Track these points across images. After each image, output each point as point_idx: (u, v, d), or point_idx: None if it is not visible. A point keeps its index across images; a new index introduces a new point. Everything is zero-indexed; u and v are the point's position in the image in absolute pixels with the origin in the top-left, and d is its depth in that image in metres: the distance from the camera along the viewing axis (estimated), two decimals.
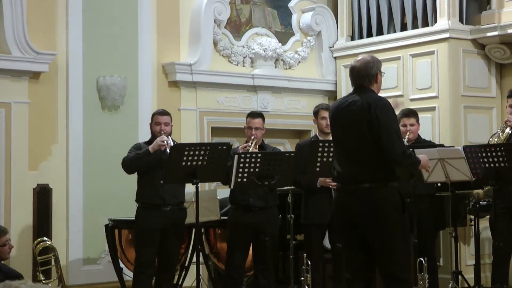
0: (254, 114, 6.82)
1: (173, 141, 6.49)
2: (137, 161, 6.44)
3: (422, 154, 5.11)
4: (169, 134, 6.57)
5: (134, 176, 6.70)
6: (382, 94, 9.10)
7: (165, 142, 6.36)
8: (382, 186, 4.81)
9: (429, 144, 7.19)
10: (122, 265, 7.26)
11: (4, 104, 7.55)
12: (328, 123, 6.76)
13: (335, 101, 5.20)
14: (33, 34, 7.71)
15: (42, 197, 7.65)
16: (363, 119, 4.81)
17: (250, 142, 6.63)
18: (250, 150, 6.44)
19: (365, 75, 4.94)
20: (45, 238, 7.38)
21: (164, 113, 6.66)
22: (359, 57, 5.08)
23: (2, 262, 6.12)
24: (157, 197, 6.47)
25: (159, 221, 6.44)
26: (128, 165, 6.51)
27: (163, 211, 6.47)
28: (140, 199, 6.59)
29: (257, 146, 6.66)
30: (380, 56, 9.20)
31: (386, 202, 4.80)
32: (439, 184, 7.18)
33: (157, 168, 6.41)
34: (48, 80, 7.81)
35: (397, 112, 5.46)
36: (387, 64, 9.19)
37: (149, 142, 6.62)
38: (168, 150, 6.29)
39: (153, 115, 6.71)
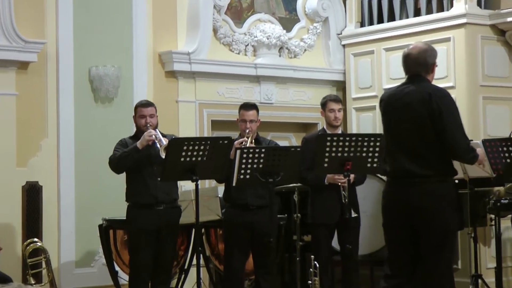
0: (248, 106, 6.79)
1: (162, 134, 6.48)
2: (125, 159, 6.44)
3: (478, 148, 5.16)
4: (155, 126, 6.56)
5: None
6: (394, 84, 9.19)
7: (153, 136, 6.36)
8: (441, 181, 4.88)
9: None
10: (117, 268, 7.27)
11: None
12: (337, 115, 6.85)
13: (386, 91, 5.22)
14: (20, 22, 7.72)
15: (32, 195, 7.68)
16: (424, 111, 4.85)
17: (245, 136, 6.61)
18: (247, 145, 6.44)
19: (423, 63, 5.01)
20: (35, 239, 7.40)
21: (147, 104, 6.64)
22: (413, 45, 5.14)
23: None
24: (149, 196, 6.48)
25: (152, 221, 6.45)
26: (116, 164, 6.50)
27: (156, 211, 6.48)
28: (131, 198, 6.60)
29: (253, 140, 6.65)
30: (391, 44, 9.31)
31: (443, 198, 4.87)
32: (456, 181, 7.20)
33: (147, 165, 6.43)
34: (37, 70, 7.82)
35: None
36: (398, 53, 9.18)
37: (135, 137, 6.61)
38: (157, 145, 6.30)
39: (136, 107, 6.66)
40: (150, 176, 6.46)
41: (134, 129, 7.47)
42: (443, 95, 4.91)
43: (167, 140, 6.26)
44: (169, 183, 6.47)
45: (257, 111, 6.76)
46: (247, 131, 6.61)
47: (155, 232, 6.48)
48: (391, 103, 5.07)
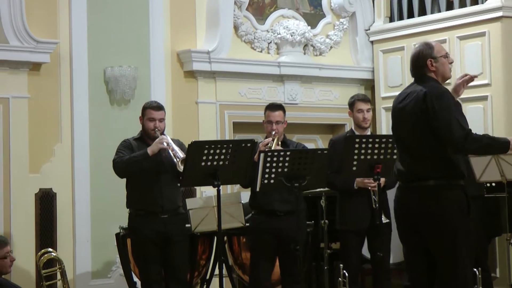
0: (274, 107, 6.79)
1: (173, 140, 6.46)
2: (134, 165, 6.37)
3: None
4: (163, 131, 6.52)
5: None
6: None
7: (164, 143, 6.33)
8: (446, 184, 4.90)
9: None
10: (135, 279, 7.27)
11: (1, 99, 7.62)
12: (365, 116, 6.84)
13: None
14: (32, 21, 7.76)
15: (45, 203, 7.72)
16: (419, 111, 4.90)
17: (271, 138, 6.62)
18: (272, 148, 6.44)
19: (417, 64, 5.15)
20: (49, 249, 7.42)
21: (158, 107, 6.56)
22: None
23: (3, 276, 6.18)
24: (154, 204, 6.42)
25: (159, 229, 6.42)
26: (124, 169, 6.42)
27: (161, 219, 6.45)
28: (133, 205, 6.54)
29: (279, 142, 6.66)
30: (422, 40, 9.21)
31: (449, 202, 4.88)
32: (493, 184, 7.15)
33: (154, 171, 6.40)
34: (50, 71, 7.86)
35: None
36: None
37: (140, 139, 6.58)
38: (171, 153, 6.27)
39: (145, 108, 6.58)
40: (157, 183, 6.41)
41: None
42: (437, 92, 4.97)
43: (183, 153, 6.23)
44: (174, 189, 6.44)
45: (284, 112, 6.77)
46: (273, 132, 6.62)
47: (161, 242, 6.44)
48: (394, 106, 5.18)
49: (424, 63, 5.13)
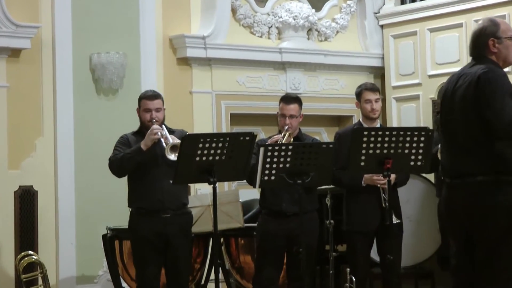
0: (288, 99, 6.76)
1: (170, 130, 6.46)
2: (128, 162, 6.38)
3: None
4: (162, 122, 6.53)
5: None
6: (440, 70, 9.11)
7: (159, 133, 6.33)
8: (494, 181, 4.86)
9: None
10: (124, 284, 7.30)
11: None
12: (374, 106, 6.84)
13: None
14: (11, 3, 7.75)
15: (26, 201, 7.72)
16: (471, 96, 4.84)
17: (282, 134, 6.59)
18: (282, 143, 6.43)
19: (477, 43, 5.04)
20: (30, 252, 7.44)
21: (153, 96, 6.55)
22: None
23: None
24: (155, 201, 6.42)
25: (158, 230, 6.43)
26: (117, 168, 6.45)
27: (162, 218, 6.46)
28: (134, 203, 6.56)
29: (292, 138, 6.64)
30: (437, 24, 9.26)
31: (496, 202, 4.84)
32: None
33: (153, 165, 6.40)
34: (30, 58, 7.86)
35: None
36: (445, 33, 9.17)
37: (139, 133, 6.58)
38: (163, 143, 6.27)
39: (140, 99, 6.57)
40: (156, 178, 6.42)
41: None
42: (493, 75, 4.88)
43: (176, 138, 6.24)
44: (179, 186, 6.45)
45: (300, 104, 6.72)
46: (286, 127, 6.61)
47: (162, 243, 6.45)
48: (445, 91, 5.09)
49: (486, 42, 5.00)
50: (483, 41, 5.02)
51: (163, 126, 6.45)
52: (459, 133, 4.94)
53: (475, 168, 4.89)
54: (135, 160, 6.35)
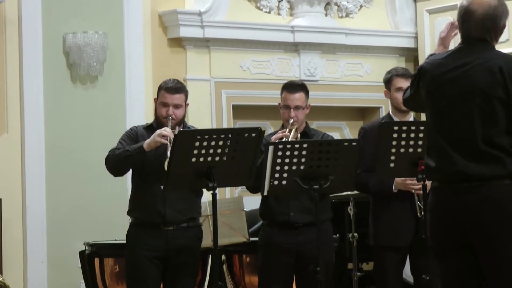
0: (292, 86, 6.75)
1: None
2: (125, 160, 6.38)
3: None
4: (179, 122, 6.47)
5: (122, 181, 6.71)
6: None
7: (168, 139, 6.30)
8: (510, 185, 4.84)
9: None
10: None
11: None
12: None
13: (429, 61, 5.18)
14: None
15: None
16: (492, 91, 4.81)
17: (288, 129, 6.58)
18: (289, 140, 6.42)
19: (491, 26, 4.94)
20: None
21: (174, 89, 6.45)
22: None
23: None
24: (154, 212, 6.42)
25: (158, 245, 6.45)
26: (113, 165, 6.43)
27: (163, 232, 6.47)
28: (134, 213, 6.57)
29: (299, 134, 6.64)
30: None
31: None
32: None
33: (157, 168, 6.38)
34: None
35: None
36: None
37: (151, 127, 6.58)
38: (168, 151, 6.24)
39: (159, 89, 6.53)
40: (160, 184, 6.41)
41: (127, 119, 7.46)
42: None
43: None
44: (184, 195, 6.43)
45: (307, 93, 6.72)
46: (291, 121, 6.58)
47: (161, 262, 6.45)
48: (439, 78, 5.01)
49: (500, 26, 4.91)
50: (499, 24, 4.91)
51: (178, 127, 6.34)
52: (470, 128, 4.89)
53: (491, 170, 4.85)
54: (134, 160, 6.35)
